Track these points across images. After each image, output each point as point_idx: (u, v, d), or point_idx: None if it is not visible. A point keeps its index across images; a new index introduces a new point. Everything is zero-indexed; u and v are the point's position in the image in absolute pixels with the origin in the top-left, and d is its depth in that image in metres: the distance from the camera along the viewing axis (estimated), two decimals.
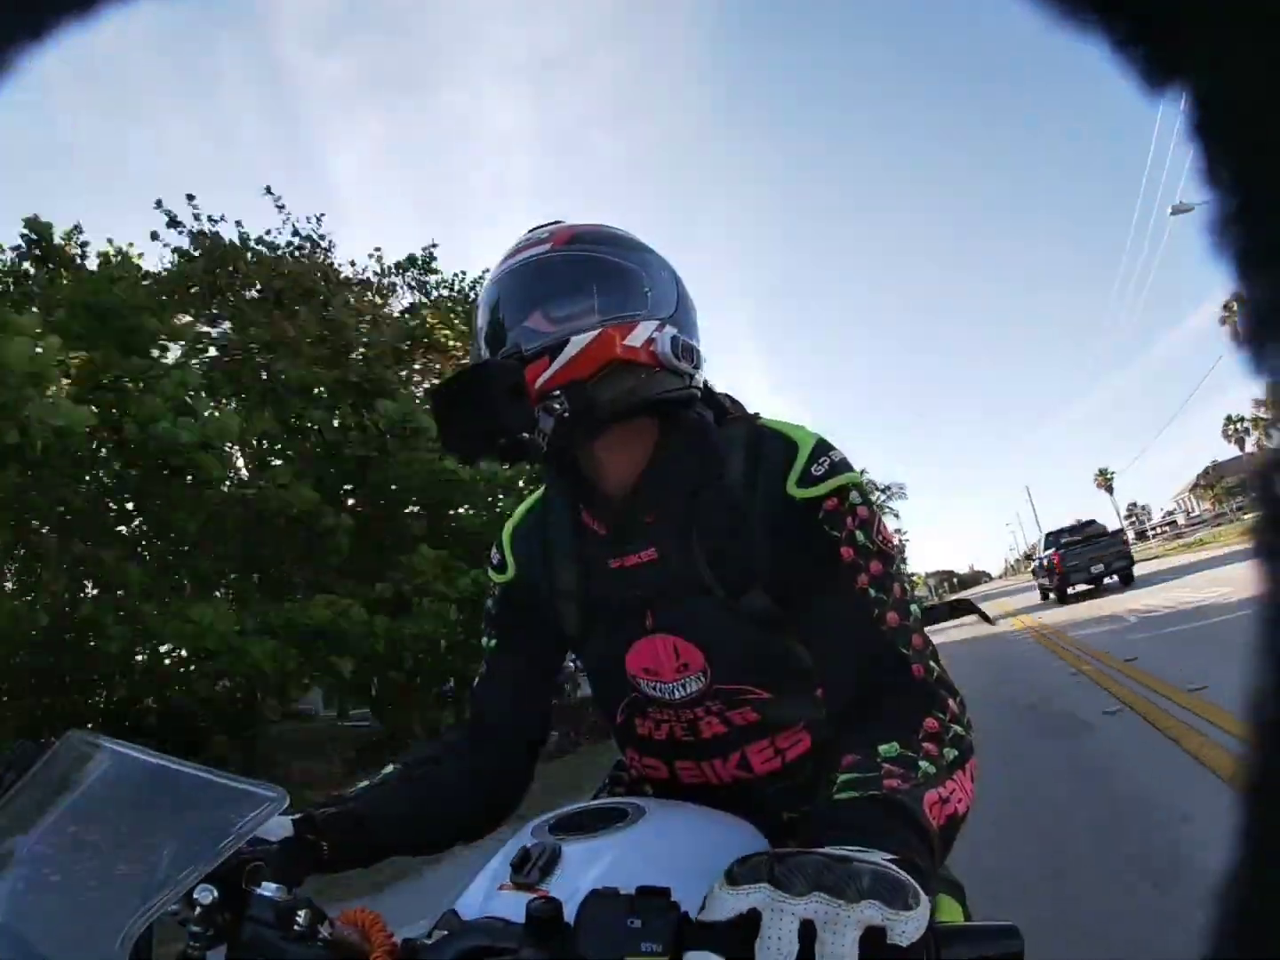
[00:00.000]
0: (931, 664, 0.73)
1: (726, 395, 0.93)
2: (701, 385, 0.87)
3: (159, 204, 8.83)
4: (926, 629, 0.76)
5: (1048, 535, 16.78)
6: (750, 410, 0.92)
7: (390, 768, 0.89)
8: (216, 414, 7.06)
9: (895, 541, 0.80)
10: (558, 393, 0.74)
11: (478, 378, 0.76)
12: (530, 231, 0.88)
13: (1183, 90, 0.18)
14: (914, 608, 0.76)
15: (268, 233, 9.52)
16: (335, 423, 8.48)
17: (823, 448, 0.80)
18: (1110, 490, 63.94)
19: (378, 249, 10.97)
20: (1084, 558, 14.51)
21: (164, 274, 8.91)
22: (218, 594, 7.88)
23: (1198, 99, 0.18)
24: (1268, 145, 0.17)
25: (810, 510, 0.77)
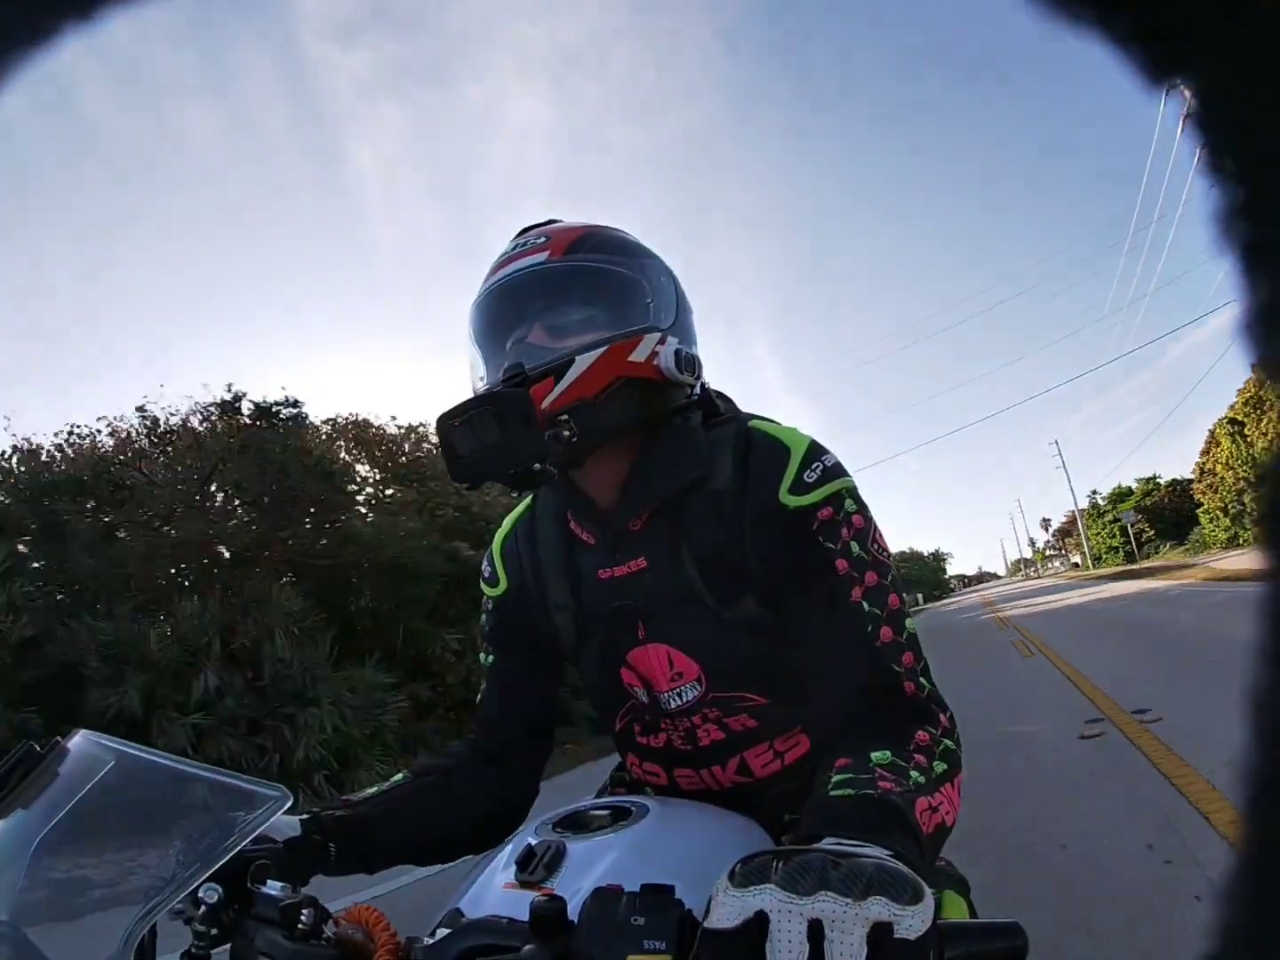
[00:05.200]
0: (922, 681, 0.72)
1: (718, 394, 0.91)
2: (700, 391, 0.86)
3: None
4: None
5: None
6: (745, 409, 0.91)
7: (400, 776, 0.89)
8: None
9: (889, 549, 0.79)
10: (565, 416, 0.72)
11: (486, 408, 0.73)
12: (523, 234, 0.84)
13: (1187, 84, 0.18)
14: (908, 622, 0.74)
15: None
16: None
17: (815, 452, 0.78)
18: (1034, 547, 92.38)
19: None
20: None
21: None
22: None
23: (1203, 91, 0.18)
24: (1273, 136, 0.17)
25: (804, 519, 0.75)
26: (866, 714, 0.70)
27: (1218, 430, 22.70)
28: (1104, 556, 40.88)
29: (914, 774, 0.62)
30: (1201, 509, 25.85)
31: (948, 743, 0.68)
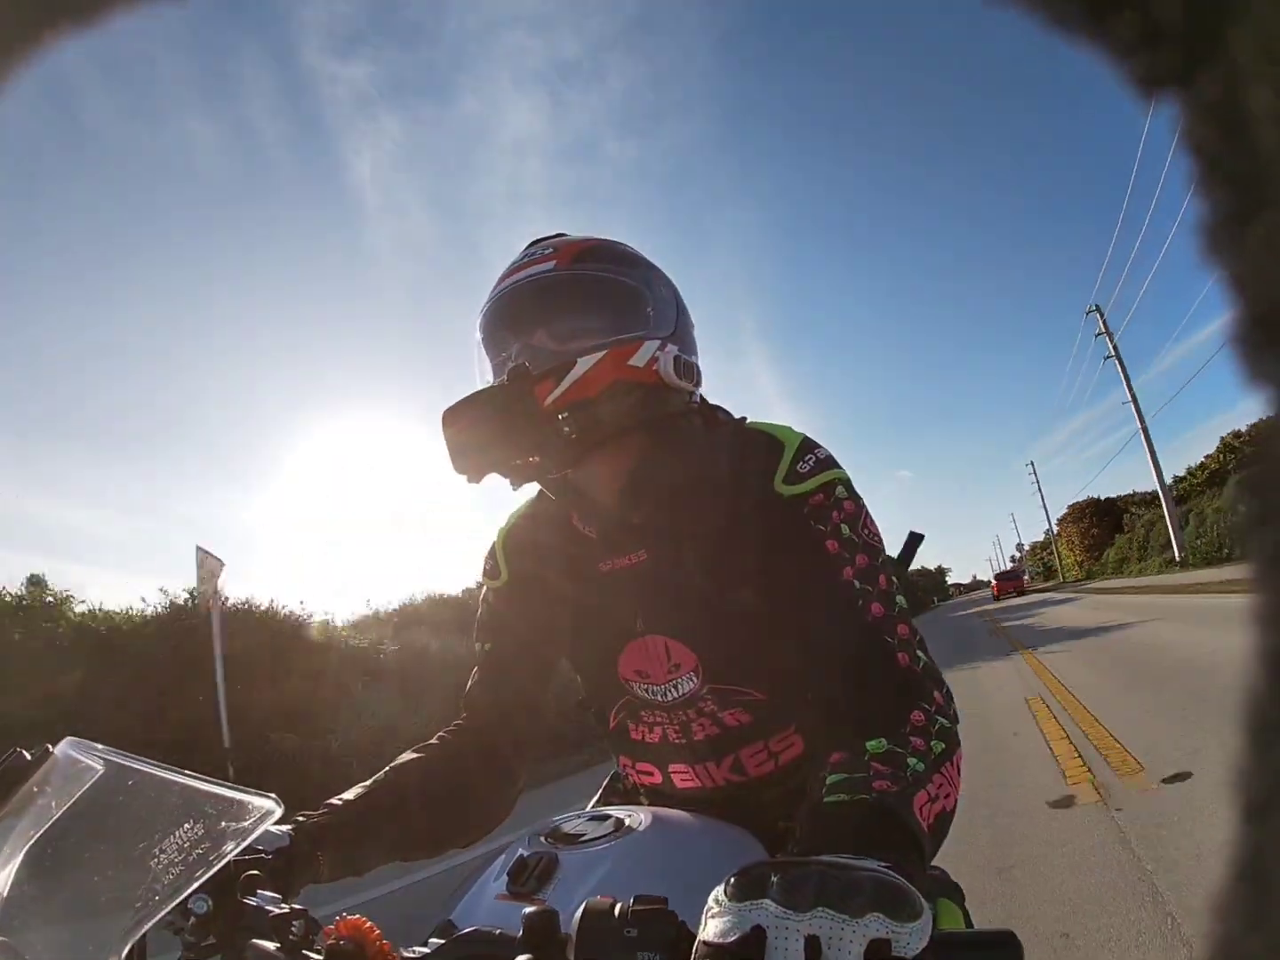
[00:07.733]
0: (918, 653, 0.73)
1: (715, 406, 0.93)
2: (699, 400, 0.88)
3: None
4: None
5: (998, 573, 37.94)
6: (740, 416, 0.92)
7: (383, 773, 0.88)
8: None
9: (881, 535, 0.80)
10: (565, 414, 0.74)
11: (489, 402, 0.76)
12: (532, 245, 0.87)
13: (1180, 96, 0.18)
14: (900, 599, 0.76)
15: None
16: None
17: (809, 446, 0.81)
18: (1013, 561, 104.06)
19: None
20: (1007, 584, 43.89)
21: None
22: None
23: (1197, 103, 0.18)
24: (1265, 150, 0.17)
25: (797, 506, 0.78)
26: (861, 694, 0.71)
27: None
28: (1034, 578, 66.59)
29: (912, 760, 0.62)
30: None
31: (943, 721, 0.68)
